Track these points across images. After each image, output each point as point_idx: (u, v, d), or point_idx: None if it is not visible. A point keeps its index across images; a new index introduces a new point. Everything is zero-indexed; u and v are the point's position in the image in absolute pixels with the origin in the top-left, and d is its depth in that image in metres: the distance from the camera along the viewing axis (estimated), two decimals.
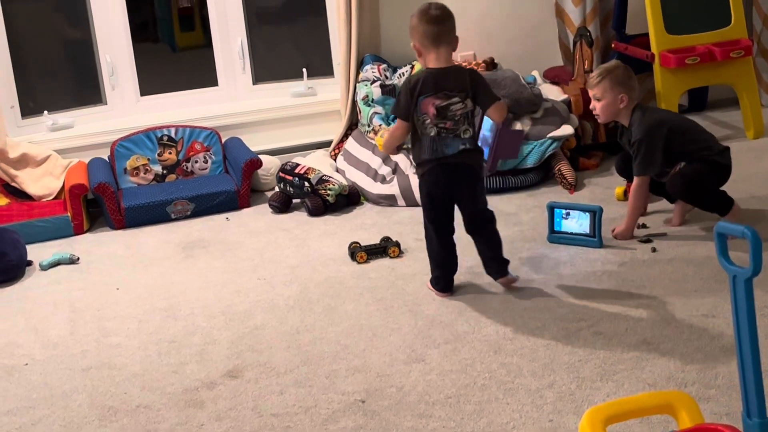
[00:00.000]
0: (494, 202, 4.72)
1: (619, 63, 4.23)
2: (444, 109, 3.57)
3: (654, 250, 4.00)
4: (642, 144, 4.00)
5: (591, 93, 4.13)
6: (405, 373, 3.18)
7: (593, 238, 4.08)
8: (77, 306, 3.99)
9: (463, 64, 5.50)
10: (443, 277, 3.79)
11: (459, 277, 3.85)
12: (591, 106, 4.17)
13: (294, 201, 4.98)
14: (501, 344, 3.31)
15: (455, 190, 3.68)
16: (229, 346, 3.49)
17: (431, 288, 3.80)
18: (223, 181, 5.14)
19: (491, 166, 3.92)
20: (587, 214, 4.10)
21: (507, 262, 3.78)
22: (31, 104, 5.38)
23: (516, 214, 4.59)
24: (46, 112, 5.34)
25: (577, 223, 4.13)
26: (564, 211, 4.17)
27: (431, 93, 3.57)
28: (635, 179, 4.07)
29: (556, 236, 4.18)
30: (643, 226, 4.24)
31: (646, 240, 4.10)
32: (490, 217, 3.76)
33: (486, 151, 3.82)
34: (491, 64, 5.52)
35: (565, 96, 5.30)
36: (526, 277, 3.85)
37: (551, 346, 3.26)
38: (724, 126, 5.67)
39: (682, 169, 4.06)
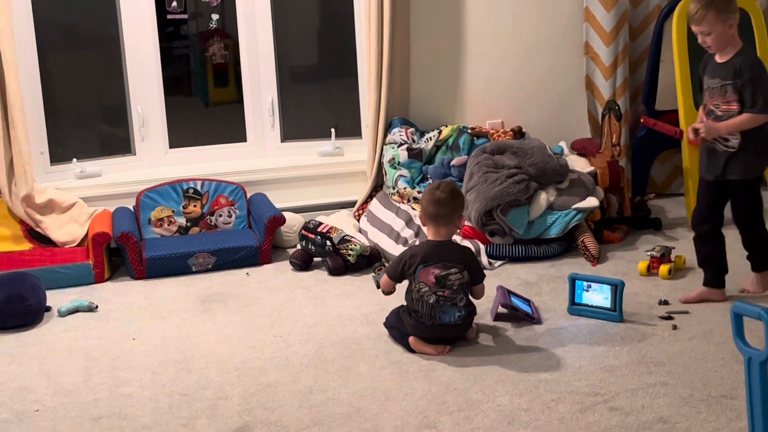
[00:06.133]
0: (516, 271, 4.73)
1: None
2: (443, 278, 3.79)
3: (675, 327, 3.95)
4: (761, 80, 3.93)
5: (697, 29, 4.02)
6: None
7: (614, 312, 4.04)
8: (92, 354, 3.98)
9: (491, 131, 5.53)
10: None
11: (476, 347, 3.83)
12: (700, 41, 4.05)
13: (315, 259, 4.98)
14: (515, 415, 3.27)
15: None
16: (241, 402, 3.46)
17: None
18: (246, 236, 5.15)
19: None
20: (609, 287, 4.07)
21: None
22: (60, 151, 5.44)
23: (537, 283, 4.57)
24: (74, 159, 5.39)
25: (598, 296, 4.10)
26: (585, 284, 4.13)
27: (431, 263, 3.79)
28: (761, 116, 3.94)
29: (577, 308, 4.14)
30: (665, 302, 4.20)
31: (668, 317, 4.05)
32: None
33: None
34: (519, 133, 5.54)
35: (592, 168, 5.29)
36: (543, 349, 3.81)
37: (566, 420, 3.21)
38: None
39: (737, 209, 4.08)
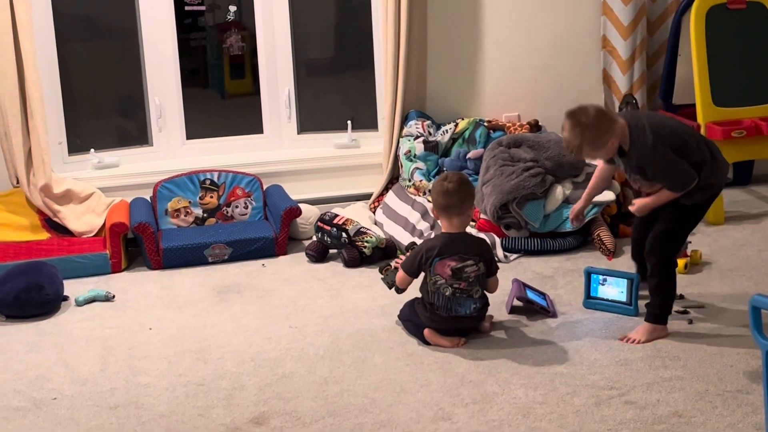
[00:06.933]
0: (531, 264, 4.73)
1: (579, 120, 3.70)
2: (459, 270, 3.79)
3: (690, 322, 3.95)
4: (664, 167, 3.65)
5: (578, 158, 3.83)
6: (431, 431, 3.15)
7: (629, 306, 4.04)
8: (109, 343, 4.01)
9: (508, 124, 5.52)
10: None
11: (492, 339, 3.84)
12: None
13: (331, 251, 4.99)
14: (530, 408, 3.27)
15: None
16: (257, 392, 3.48)
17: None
18: (262, 227, 5.17)
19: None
20: (625, 281, 4.06)
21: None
22: (78, 141, 5.47)
23: (553, 277, 4.56)
24: (92, 150, 5.41)
25: (614, 289, 4.09)
26: (601, 277, 4.13)
27: (447, 255, 3.79)
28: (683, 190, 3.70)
29: (592, 302, 4.14)
30: (681, 297, 4.19)
31: (683, 311, 4.05)
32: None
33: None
34: (535, 126, 5.53)
35: None
36: (559, 342, 3.82)
37: (581, 413, 3.21)
38: None
39: (659, 223, 3.82)
